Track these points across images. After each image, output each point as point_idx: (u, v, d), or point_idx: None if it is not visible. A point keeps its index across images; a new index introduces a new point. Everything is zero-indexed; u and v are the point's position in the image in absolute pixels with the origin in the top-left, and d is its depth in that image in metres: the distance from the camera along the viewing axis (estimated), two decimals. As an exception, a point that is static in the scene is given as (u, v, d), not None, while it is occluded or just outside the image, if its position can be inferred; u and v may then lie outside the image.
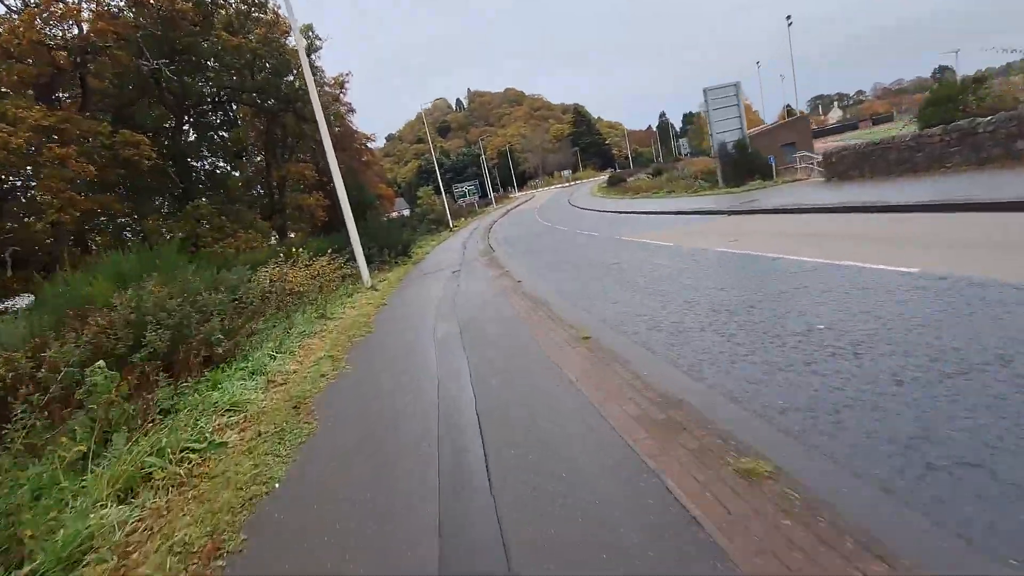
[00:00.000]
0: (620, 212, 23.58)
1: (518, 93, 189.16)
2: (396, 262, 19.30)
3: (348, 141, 47.85)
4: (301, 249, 12.29)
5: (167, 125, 23.44)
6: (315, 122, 28.80)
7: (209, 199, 23.55)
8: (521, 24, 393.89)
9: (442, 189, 41.39)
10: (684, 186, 31.33)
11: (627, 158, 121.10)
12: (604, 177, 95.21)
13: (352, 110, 46.81)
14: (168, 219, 21.38)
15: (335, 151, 36.39)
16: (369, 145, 48.18)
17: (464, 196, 58.50)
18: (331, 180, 38.01)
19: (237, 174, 28.75)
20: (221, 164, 26.84)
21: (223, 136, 27.70)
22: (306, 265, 11.62)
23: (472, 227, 39.43)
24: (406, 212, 61.86)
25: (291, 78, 25.20)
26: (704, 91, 21.51)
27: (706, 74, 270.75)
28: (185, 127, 25.60)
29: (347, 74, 31.02)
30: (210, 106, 25.60)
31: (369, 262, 16.05)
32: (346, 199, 13.92)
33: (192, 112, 24.40)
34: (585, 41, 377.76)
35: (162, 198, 23.54)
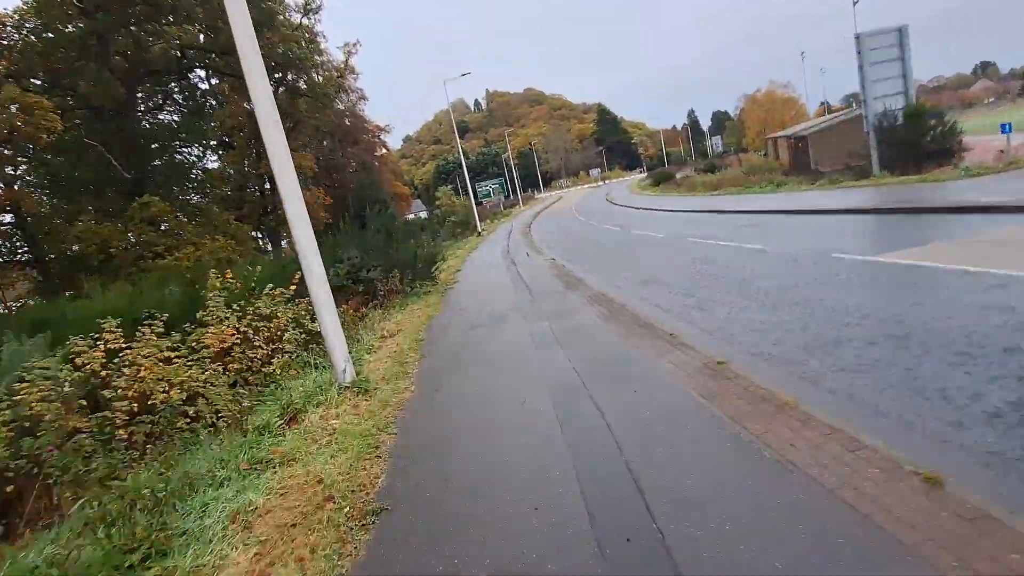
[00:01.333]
0: (725, 212, 17.33)
1: (538, 93, 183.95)
2: (415, 290, 11.87)
3: (359, 133, 42.37)
4: (229, 279, 6.36)
5: (120, 98, 17.84)
6: (312, 97, 23.21)
7: (169, 194, 17.81)
8: (540, 23, 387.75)
9: (470, 188, 35.47)
10: (767, 180, 25.20)
11: (658, 158, 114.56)
12: (635, 176, 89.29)
13: (364, 97, 41.21)
14: (109, 220, 15.70)
15: (346, 144, 30.68)
16: (384, 138, 42.66)
17: (488, 196, 52.62)
18: (337, 172, 32.23)
19: (215, 165, 23.19)
20: (188, 150, 21.15)
21: (192, 114, 22.02)
22: (221, 319, 5.72)
23: (504, 229, 33.49)
24: (423, 214, 56.26)
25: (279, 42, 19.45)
26: (857, 38, 15.19)
27: (734, 69, 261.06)
28: (151, 103, 20.06)
29: (355, 44, 25.09)
30: (175, 76, 19.99)
31: (369, 297, 10.28)
32: (291, 177, 4.90)
33: (151, 82, 18.81)
34: (604, 36, 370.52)
35: (114, 192, 17.91)
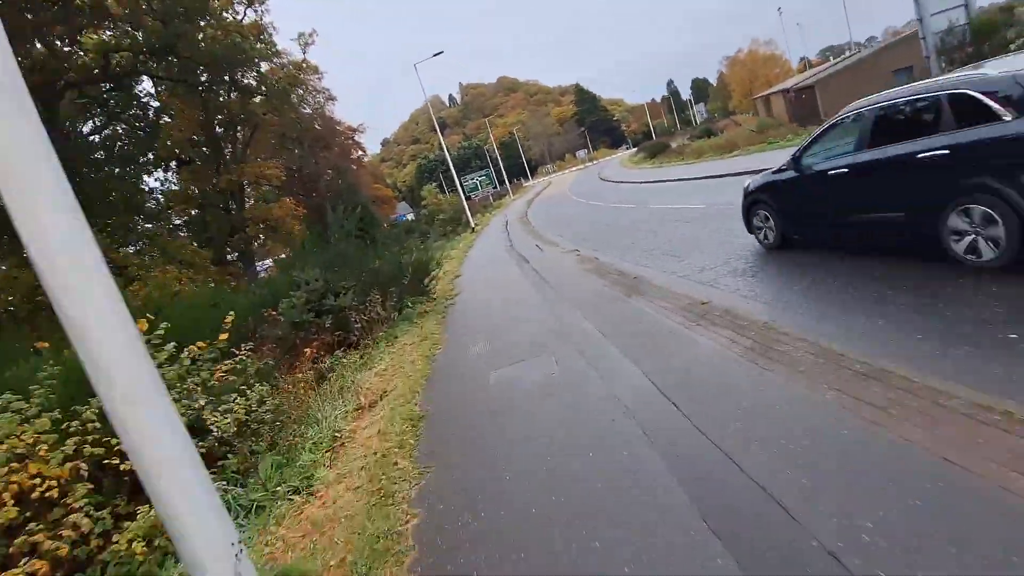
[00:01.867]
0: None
1: (512, 81, 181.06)
2: (406, 312, 8.95)
3: (332, 136, 39.62)
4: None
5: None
6: (268, 95, 20.53)
7: (116, 224, 15.30)
8: (506, 12, 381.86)
9: (457, 183, 32.77)
10: (777, 135, 22.89)
11: (642, 133, 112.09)
12: (623, 153, 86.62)
13: (332, 98, 38.37)
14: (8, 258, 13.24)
15: (317, 149, 28.01)
16: (359, 139, 39.87)
17: (475, 189, 49.93)
18: (311, 180, 29.53)
19: (159, 184, 20.56)
20: (136, 172, 18.55)
21: (135, 129, 19.41)
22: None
23: (499, 221, 31.03)
24: (410, 216, 53.62)
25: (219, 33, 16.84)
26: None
27: (712, 30, 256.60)
28: (94, 123, 17.45)
29: (310, 34, 22.38)
30: (111, 84, 17.28)
31: (343, 334, 7.36)
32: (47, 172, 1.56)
33: (75, 96, 16.12)
34: (574, 16, 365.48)
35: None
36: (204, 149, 22.20)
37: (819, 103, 28.37)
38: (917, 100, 4.49)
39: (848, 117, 5.18)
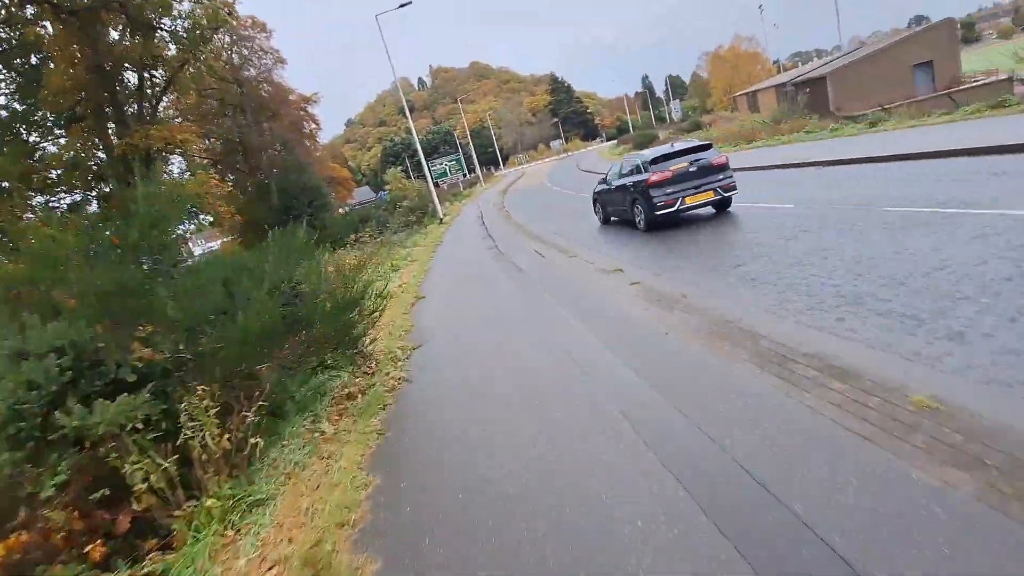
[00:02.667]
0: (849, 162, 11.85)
1: (484, 67, 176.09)
2: (304, 413, 4.70)
3: (281, 106, 34.53)
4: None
5: None
6: (177, 36, 15.68)
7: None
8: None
9: (424, 165, 28.25)
10: (793, 128, 20.00)
11: (615, 127, 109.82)
12: (600, 145, 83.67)
13: (282, 60, 33.42)
14: None
15: (261, 118, 23.30)
16: (313, 110, 34.88)
17: (444, 175, 45.64)
18: (253, 154, 24.76)
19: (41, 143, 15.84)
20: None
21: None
22: None
23: (471, 212, 27.16)
24: (373, 199, 48.75)
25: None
26: None
27: (685, 29, 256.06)
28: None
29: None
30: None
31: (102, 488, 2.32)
32: None
33: None
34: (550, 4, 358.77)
35: None
36: (104, 107, 17.38)
37: (830, 94, 25.69)
38: (635, 160, 10.41)
39: (623, 164, 11.15)
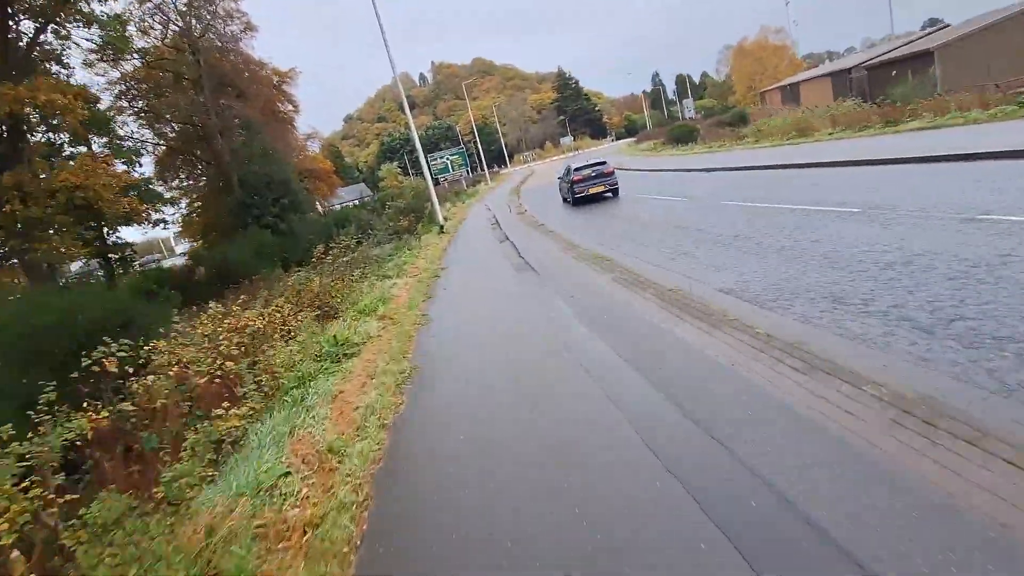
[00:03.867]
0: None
1: (488, 63, 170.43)
2: None
3: (247, 81, 28.92)
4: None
5: None
6: None
7: None
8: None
9: (423, 160, 21.84)
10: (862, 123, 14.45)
11: (624, 127, 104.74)
12: (616, 143, 78.39)
13: (251, 27, 27.78)
14: None
15: (229, 96, 17.16)
16: (289, 88, 29.23)
17: (445, 171, 40.04)
18: (210, 139, 17.77)
19: None
20: None
21: None
22: None
23: (481, 216, 21.66)
24: (366, 198, 42.93)
25: None
26: None
27: (703, 29, 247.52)
28: None
29: None
30: None
31: None
32: None
33: None
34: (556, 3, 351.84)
35: None
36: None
37: (937, 74, 20.17)
38: (570, 166, 19.09)
39: (569, 168, 18.87)
